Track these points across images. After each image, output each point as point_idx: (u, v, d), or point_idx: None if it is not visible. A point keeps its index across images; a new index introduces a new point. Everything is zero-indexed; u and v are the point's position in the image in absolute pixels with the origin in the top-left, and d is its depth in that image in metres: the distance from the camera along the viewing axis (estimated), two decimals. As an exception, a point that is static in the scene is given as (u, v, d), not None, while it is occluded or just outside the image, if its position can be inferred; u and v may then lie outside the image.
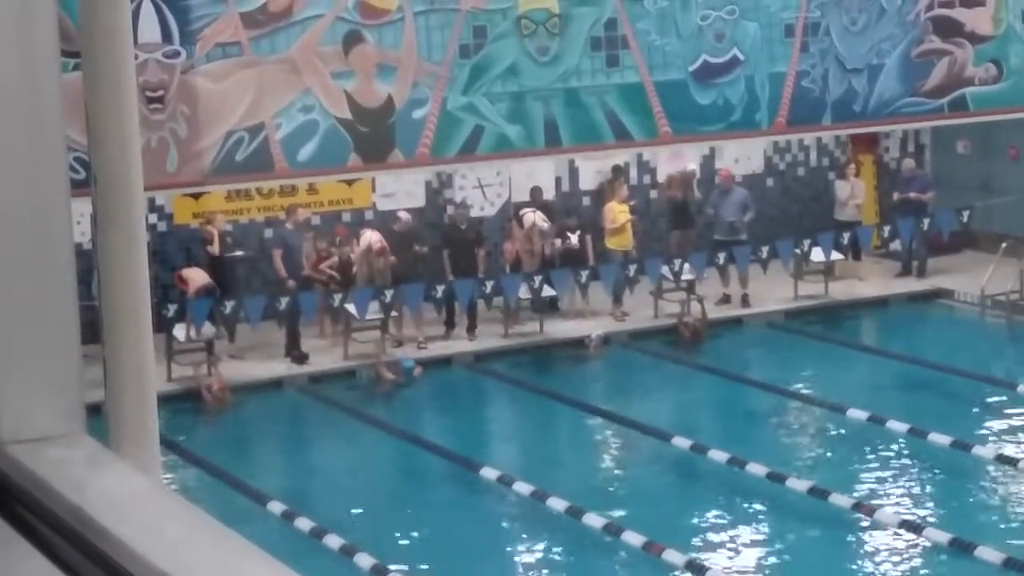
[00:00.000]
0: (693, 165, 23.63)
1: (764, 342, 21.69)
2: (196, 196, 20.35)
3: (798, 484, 15.58)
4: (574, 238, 21.91)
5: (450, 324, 21.02)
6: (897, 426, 17.06)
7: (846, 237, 22.19)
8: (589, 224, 22.43)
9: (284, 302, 19.43)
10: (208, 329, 19.44)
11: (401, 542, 15.20)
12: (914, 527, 14.56)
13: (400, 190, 22.39)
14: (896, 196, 23.58)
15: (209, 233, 20.50)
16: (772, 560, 14.53)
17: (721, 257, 21.49)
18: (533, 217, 21.68)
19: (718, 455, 16.45)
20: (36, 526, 2.71)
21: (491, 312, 21.52)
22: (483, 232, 22.08)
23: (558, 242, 21.93)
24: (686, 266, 21.25)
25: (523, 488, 15.78)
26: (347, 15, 14.22)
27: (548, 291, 20.91)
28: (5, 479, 2.86)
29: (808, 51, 16.19)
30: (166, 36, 13.50)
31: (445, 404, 19.91)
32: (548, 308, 21.54)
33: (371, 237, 20.98)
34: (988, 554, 13.65)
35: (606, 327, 21.16)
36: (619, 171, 23.03)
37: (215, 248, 20.37)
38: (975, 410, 18.18)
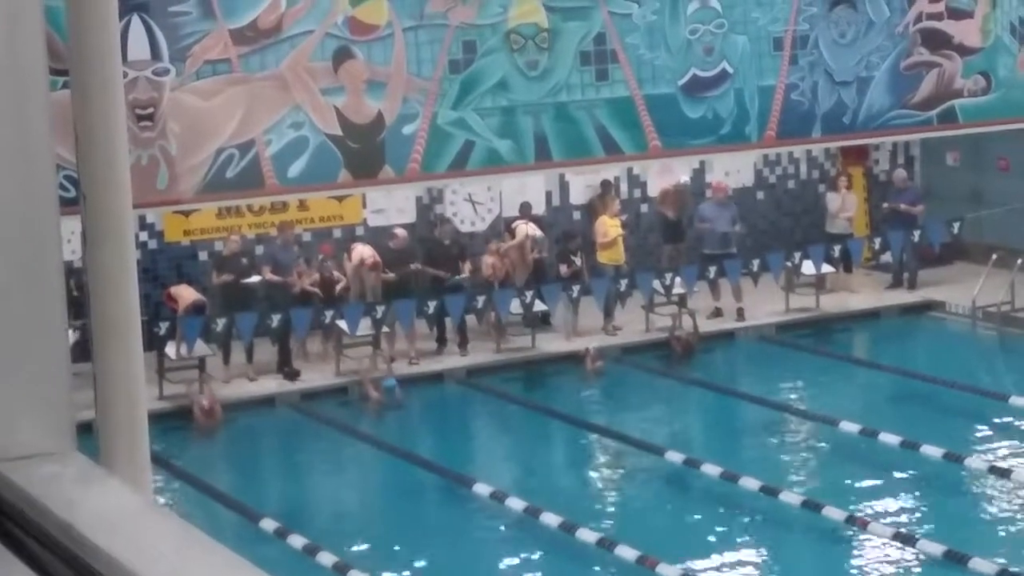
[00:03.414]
0: (686, 178, 23.65)
1: (756, 355, 21.69)
2: (187, 213, 20.34)
3: (791, 497, 15.58)
4: (578, 260, 21.92)
5: (442, 341, 21.01)
6: (889, 438, 17.06)
7: (837, 250, 22.22)
8: (581, 239, 22.46)
9: (276, 319, 19.42)
10: (200, 347, 19.41)
11: (395, 559, 15.18)
12: (908, 539, 14.56)
13: (391, 206, 22.39)
14: (886, 206, 23.63)
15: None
16: (765, 573, 14.53)
17: (712, 271, 21.51)
18: (526, 228, 21.68)
19: (711, 469, 16.44)
20: (26, 543, 2.70)
21: (482, 327, 21.52)
22: (468, 247, 22.07)
23: (564, 268, 21.91)
24: (677, 280, 21.25)
25: (516, 503, 15.77)
26: (337, 31, 14.20)
27: (540, 306, 20.91)
28: (-5, 496, 2.86)
29: (797, 64, 16.19)
30: (155, 53, 13.47)
31: (437, 420, 19.90)
32: (540, 323, 21.52)
33: (363, 251, 20.97)
34: (982, 565, 13.65)
35: (598, 342, 21.15)
36: (608, 185, 23.06)
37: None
38: (967, 422, 18.18)
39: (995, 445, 17.41)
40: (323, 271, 20.69)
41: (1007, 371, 21.22)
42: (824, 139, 17.13)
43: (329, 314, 19.80)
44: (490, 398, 20.10)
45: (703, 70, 15.78)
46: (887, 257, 23.24)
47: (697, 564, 14.41)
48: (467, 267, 21.42)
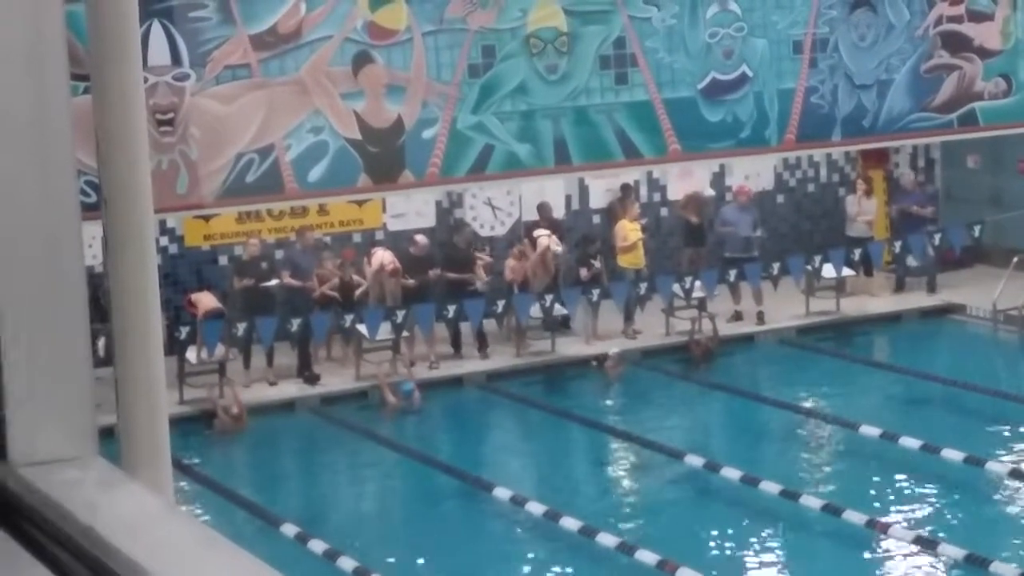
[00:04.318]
0: (712, 191, 23.73)
1: (776, 359, 21.67)
2: (207, 218, 20.39)
3: (812, 501, 15.56)
4: (598, 263, 21.94)
5: (456, 346, 21.02)
6: (910, 442, 17.03)
7: (857, 253, 22.19)
8: (600, 242, 22.45)
9: (296, 323, 19.45)
10: (220, 351, 19.45)
11: (415, 564, 15.19)
12: (929, 543, 14.53)
13: (410, 210, 22.41)
14: (895, 208, 23.63)
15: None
16: (786, 577, 14.51)
17: (732, 274, 21.50)
18: (547, 241, 21.60)
19: (731, 473, 16.42)
20: (48, 547, 2.71)
21: (503, 331, 21.54)
22: (484, 251, 22.05)
23: (584, 271, 21.91)
24: (697, 283, 21.24)
25: (536, 508, 15.77)
26: (356, 36, 14.24)
27: (560, 310, 20.90)
28: (17, 500, 2.87)
29: (817, 67, 16.19)
30: (176, 59, 13.52)
31: (457, 424, 19.90)
32: (560, 327, 21.52)
33: (383, 257, 20.99)
34: (1004, 569, 13.62)
35: (617, 345, 21.14)
36: (628, 189, 23.06)
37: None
38: (988, 425, 18.14)
39: (1016, 448, 17.37)
40: (343, 275, 20.71)
41: (1028, 374, 21.17)
42: (844, 142, 17.12)
43: (349, 318, 19.82)
44: (510, 402, 20.10)
45: (723, 73, 15.79)
46: (911, 260, 23.18)
47: (717, 568, 14.39)
48: (480, 269, 21.39)
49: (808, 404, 19.31)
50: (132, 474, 3.39)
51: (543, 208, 22.40)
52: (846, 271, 22.49)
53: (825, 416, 18.63)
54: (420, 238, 21.44)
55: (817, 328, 22.38)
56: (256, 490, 17.20)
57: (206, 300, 20.10)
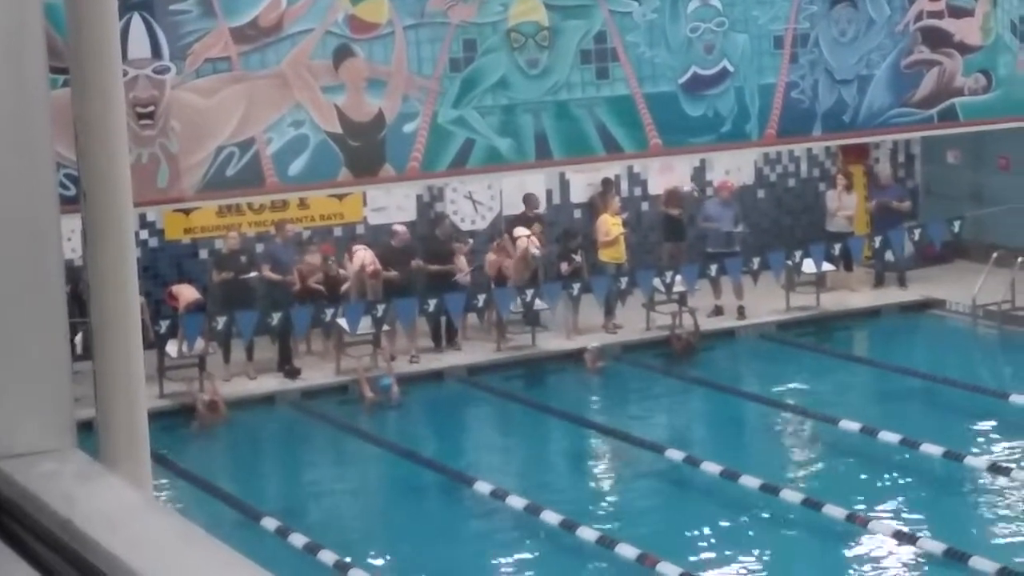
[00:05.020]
0: (689, 187, 23.75)
1: (756, 354, 21.70)
2: (187, 212, 20.35)
3: (791, 496, 15.58)
4: (579, 257, 21.95)
5: (437, 340, 21.00)
6: (890, 437, 17.06)
7: (837, 248, 22.23)
8: (582, 237, 22.47)
9: (276, 317, 19.41)
10: (200, 345, 19.41)
11: (395, 557, 15.19)
12: (908, 538, 14.56)
13: (391, 204, 22.39)
14: (872, 203, 23.68)
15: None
16: (766, 572, 14.53)
17: (713, 269, 21.53)
18: (527, 242, 21.55)
19: (711, 467, 16.44)
20: (26, 539, 2.71)
21: (483, 325, 21.53)
22: (464, 243, 22.02)
23: (564, 266, 21.90)
24: (678, 278, 21.26)
25: (516, 502, 15.77)
26: (337, 29, 14.21)
27: (540, 304, 20.89)
28: (-5, 493, 2.87)
29: (797, 62, 16.20)
30: (155, 52, 13.48)
31: (438, 418, 19.89)
32: (535, 321, 21.51)
33: (364, 256, 20.91)
34: (982, 564, 13.65)
35: (598, 340, 21.15)
36: (609, 184, 23.06)
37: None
38: (967, 420, 18.18)
39: (995, 443, 17.41)
40: (327, 270, 20.68)
41: (1007, 369, 21.22)
42: (824, 137, 17.14)
43: (329, 312, 19.79)
44: (490, 396, 20.10)
45: (703, 68, 15.78)
46: (889, 255, 23.24)
47: (697, 562, 14.41)
48: (460, 259, 21.36)
49: (788, 399, 19.33)
50: (111, 467, 3.38)
51: (529, 200, 22.39)
52: (826, 266, 22.51)
53: (805, 411, 18.66)
54: (400, 228, 21.41)
55: (797, 323, 22.41)
56: (236, 484, 17.18)
57: (187, 292, 20.07)
